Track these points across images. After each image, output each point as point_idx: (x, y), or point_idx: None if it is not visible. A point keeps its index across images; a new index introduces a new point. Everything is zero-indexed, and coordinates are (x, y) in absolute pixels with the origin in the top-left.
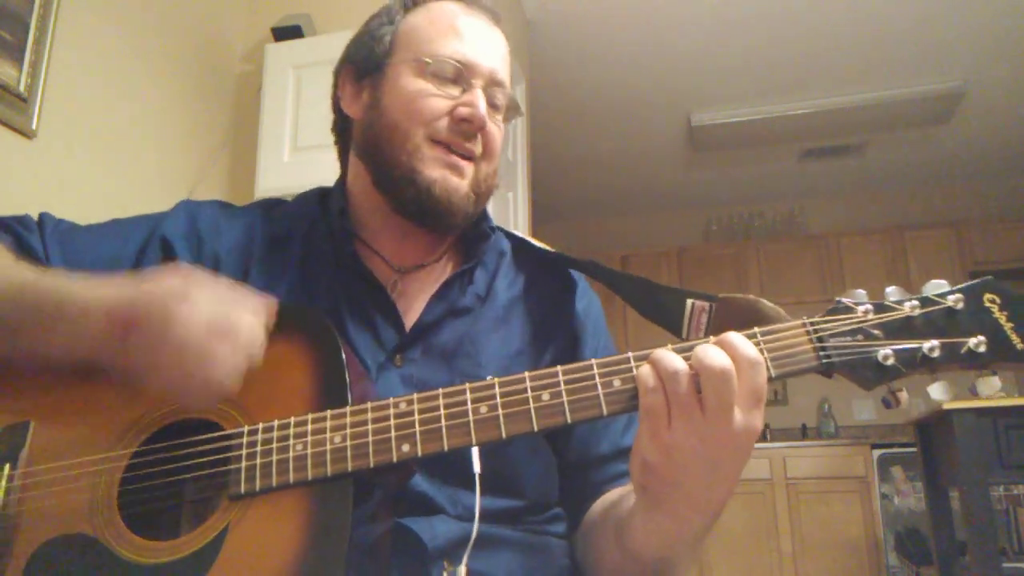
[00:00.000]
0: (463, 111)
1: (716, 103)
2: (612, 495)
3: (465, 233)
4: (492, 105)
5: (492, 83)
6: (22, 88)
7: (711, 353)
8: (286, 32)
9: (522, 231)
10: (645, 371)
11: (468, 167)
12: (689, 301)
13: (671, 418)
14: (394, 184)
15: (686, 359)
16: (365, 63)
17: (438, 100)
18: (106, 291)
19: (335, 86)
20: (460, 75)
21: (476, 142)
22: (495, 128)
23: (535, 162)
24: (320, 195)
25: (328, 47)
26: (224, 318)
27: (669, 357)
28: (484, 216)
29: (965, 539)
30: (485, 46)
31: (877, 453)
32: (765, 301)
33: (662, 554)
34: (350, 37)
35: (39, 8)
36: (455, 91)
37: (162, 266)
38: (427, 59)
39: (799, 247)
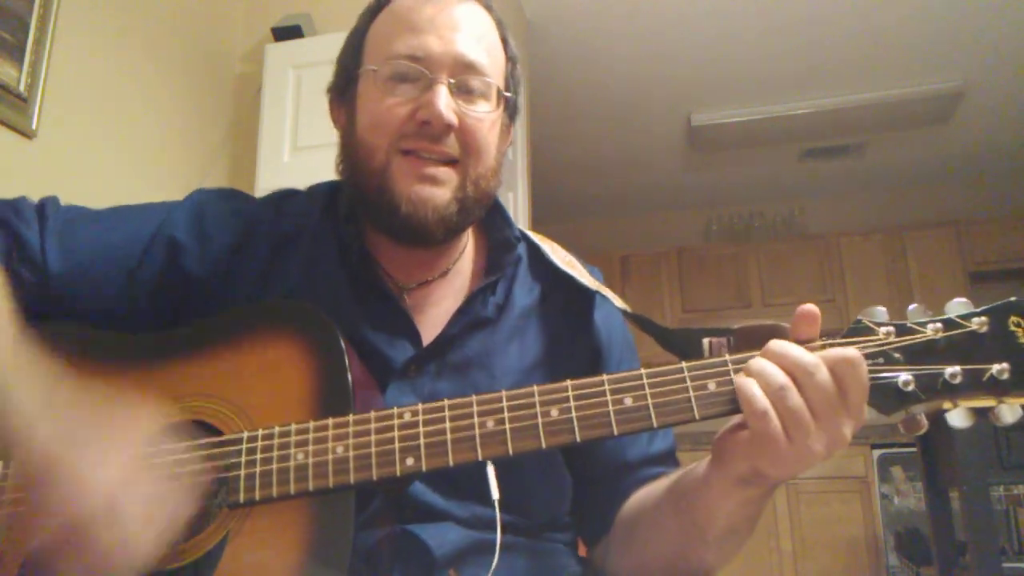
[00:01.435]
0: (421, 114)
1: (716, 103)
2: (653, 490)
3: (485, 240)
4: (466, 92)
5: (460, 69)
6: (22, 88)
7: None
8: (286, 32)
9: (540, 237)
10: (751, 390)
11: (447, 172)
12: (705, 340)
13: (789, 435)
14: (370, 203)
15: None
16: (342, 82)
17: (398, 107)
18: (40, 436)
19: (330, 109)
20: (418, 72)
21: (448, 143)
22: (474, 121)
23: (535, 162)
24: (329, 193)
25: (328, 47)
26: (106, 544)
27: (770, 369)
28: (508, 223)
29: (965, 539)
30: (446, 31)
31: (877, 453)
32: (787, 325)
33: (730, 524)
34: None
35: (39, 8)
36: (416, 91)
37: (123, 406)
38: (374, 67)
39: (799, 247)
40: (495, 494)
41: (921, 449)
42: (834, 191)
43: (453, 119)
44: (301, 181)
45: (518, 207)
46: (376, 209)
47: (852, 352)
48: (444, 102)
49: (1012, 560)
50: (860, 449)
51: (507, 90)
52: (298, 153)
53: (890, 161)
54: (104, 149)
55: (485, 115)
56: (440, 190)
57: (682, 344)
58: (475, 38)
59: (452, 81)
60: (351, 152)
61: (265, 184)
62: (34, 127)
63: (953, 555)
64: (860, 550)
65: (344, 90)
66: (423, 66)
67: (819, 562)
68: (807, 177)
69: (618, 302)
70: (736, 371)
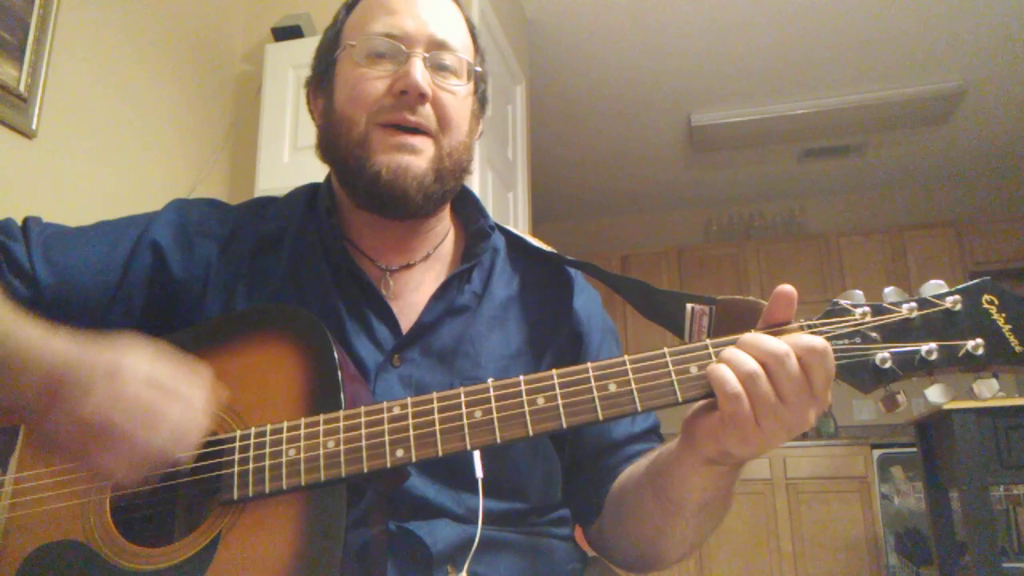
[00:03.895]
0: (398, 84)
1: (716, 103)
2: (636, 468)
3: (463, 231)
4: (439, 67)
5: (433, 46)
6: (22, 88)
7: (771, 343)
8: (286, 32)
9: (522, 231)
10: (724, 374)
11: (423, 142)
12: (688, 305)
13: (758, 419)
14: (350, 177)
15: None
16: (320, 70)
17: (376, 81)
18: (54, 348)
19: (307, 101)
20: (394, 48)
21: (424, 114)
22: (447, 95)
23: (535, 162)
24: (308, 193)
25: None
26: (149, 404)
27: (742, 356)
28: (483, 213)
29: (965, 539)
30: (419, 10)
31: (877, 453)
32: (764, 302)
33: (704, 498)
34: None
35: (39, 8)
36: (393, 67)
37: (121, 335)
38: (352, 42)
39: (799, 247)
40: (479, 473)
41: (921, 449)
42: (834, 191)
43: (427, 89)
44: (301, 181)
45: (518, 207)
46: (357, 181)
47: (819, 341)
48: (420, 72)
49: (1012, 560)
50: (860, 449)
51: (477, 79)
52: (298, 153)
53: (890, 161)
54: (104, 149)
55: (457, 89)
56: (418, 159)
57: (666, 306)
58: (446, 23)
59: (426, 56)
60: (331, 129)
61: (265, 184)
62: (34, 127)
63: (953, 555)
64: (860, 550)
65: (322, 79)
66: (399, 42)
67: (819, 562)
68: (807, 177)
69: (587, 285)
70: (716, 355)
